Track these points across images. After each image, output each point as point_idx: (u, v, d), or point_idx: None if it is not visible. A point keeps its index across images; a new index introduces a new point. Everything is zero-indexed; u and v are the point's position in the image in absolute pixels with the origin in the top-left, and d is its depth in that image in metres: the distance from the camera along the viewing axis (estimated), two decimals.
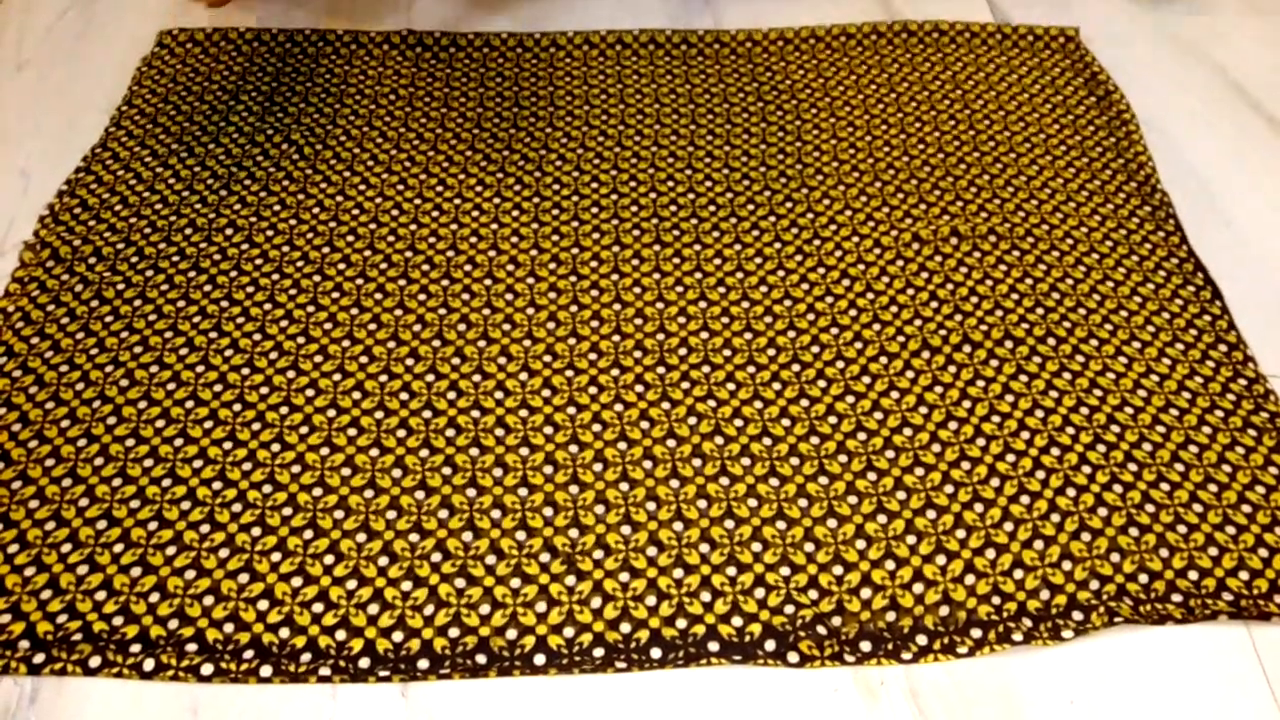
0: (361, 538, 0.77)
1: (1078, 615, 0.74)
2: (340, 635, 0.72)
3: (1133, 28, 1.31)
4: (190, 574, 0.75)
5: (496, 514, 0.79)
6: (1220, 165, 1.11)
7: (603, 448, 0.83)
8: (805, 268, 0.98)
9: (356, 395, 0.86)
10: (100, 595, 0.74)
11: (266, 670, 0.70)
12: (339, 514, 0.79)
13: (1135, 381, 0.89)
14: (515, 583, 0.75)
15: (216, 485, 0.80)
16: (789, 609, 0.74)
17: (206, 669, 0.70)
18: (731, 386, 0.88)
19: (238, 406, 0.85)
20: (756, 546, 0.78)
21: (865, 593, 0.75)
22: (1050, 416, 0.86)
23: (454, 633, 0.72)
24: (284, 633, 0.72)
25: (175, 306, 0.92)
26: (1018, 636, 0.73)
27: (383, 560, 0.76)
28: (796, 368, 0.90)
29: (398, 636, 0.72)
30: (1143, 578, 0.76)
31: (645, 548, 0.77)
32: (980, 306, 0.94)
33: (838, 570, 0.76)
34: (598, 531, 0.78)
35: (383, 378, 0.88)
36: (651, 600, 0.75)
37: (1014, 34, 1.26)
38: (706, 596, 0.75)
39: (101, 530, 0.77)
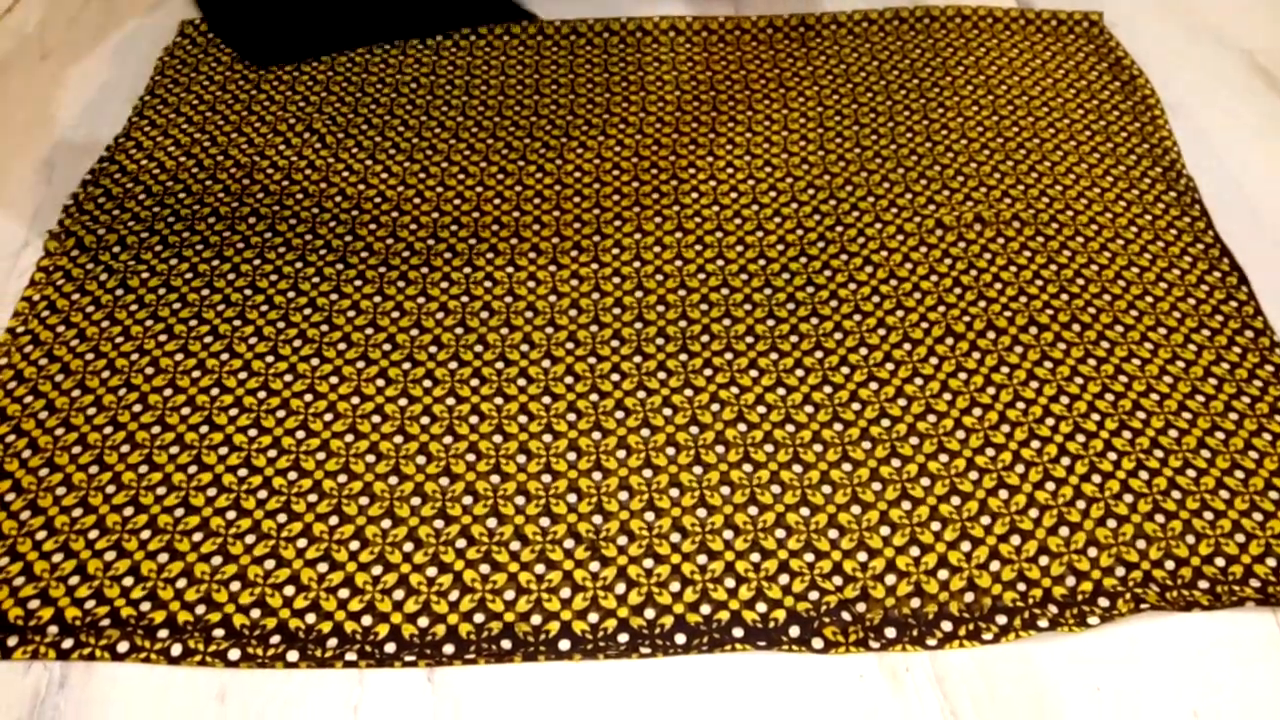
0: (387, 524, 0.78)
1: (1104, 601, 0.74)
2: (366, 620, 0.72)
3: (1157, 12, 1.30)
4: (217, 560, 0.75)
5: (520, 500, 0.79)
6: (1246, 150, 1.10)
7: (625, 434, 0.83)
8: (828, 254, 0.98)
9: (380, 382, 0.87)
10: (128, 581, 0.74)
11: (293, 655, 0.71)
12: (364, 500, 0.79)
13: (1161, 367, 0.88)
14: (540, 569, 0.75)
15: (242, 472, 0.80)
16: (813, 595, 0.74)
17: (233, 654, 0.71)
18: (754, 373, 0.88)
19: (262, 394, 0.86)
20: (780, 533, 0.77)
21: (890, 579, 0.75)
22: (1075, 403, 0.85)
23: (479, 618, 0.73)
24: (310, 618, 0.73)
25: (199, 295, 0.93)
26: (1043, 623, 0.73)
27: (408, 546, 0.76)
28: (819, 354, 0.89)
29: (423, 622, 0.72)
30: (1169, 564, 0.76)
31: (669, 534, 0.77)
32: (1004, 292, 0.94)
33: (862, 556, 0.76)
34: (621, 518, 0.78)
35: (406, 365, 0.88)
36: (676, 586, 0.75)
37: (1038, 19, 1.26)
38: (730, 582, 0.75)
39: (128, 517, 0.78)
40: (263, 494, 0.79)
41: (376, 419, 0.84)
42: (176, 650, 0.71)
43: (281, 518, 0.78)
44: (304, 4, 1.02)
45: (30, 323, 0.90)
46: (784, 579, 0.75)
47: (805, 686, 0.70)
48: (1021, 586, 0.75)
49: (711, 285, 0.95)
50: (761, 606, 0.74)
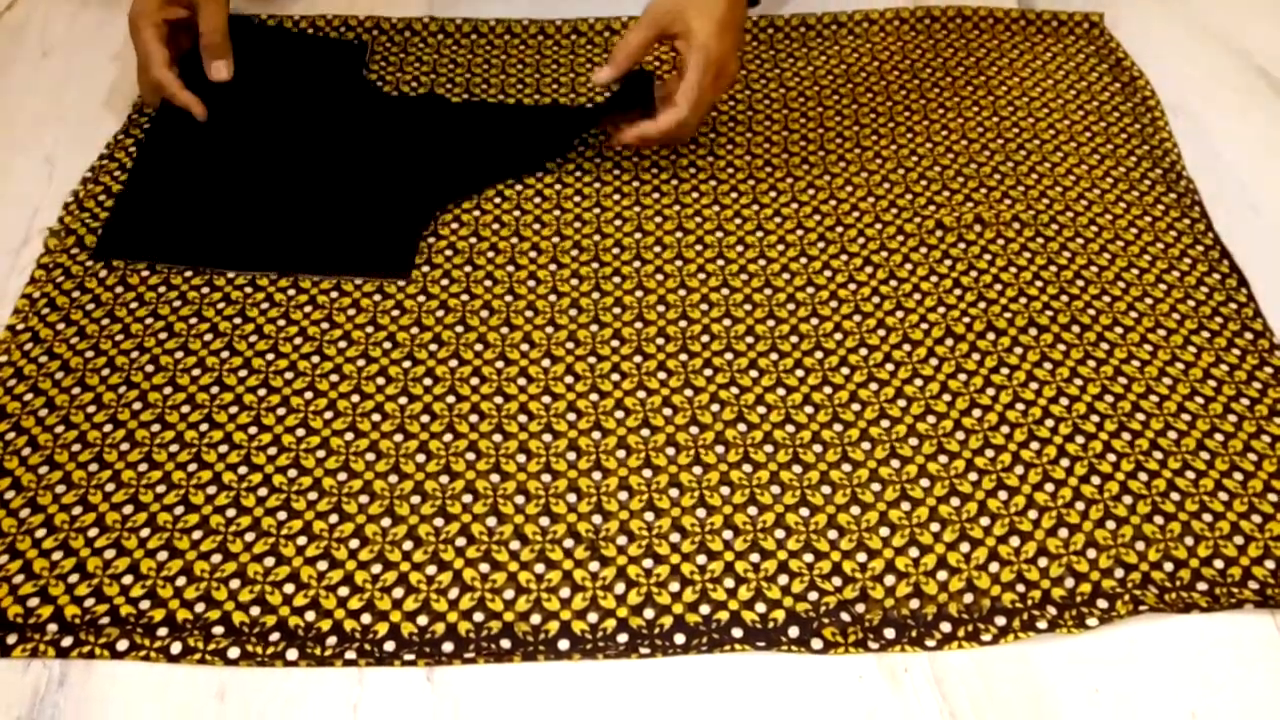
0: (386, 522, 0.78)
1: (1102, 603, 0.74)
2: (366, 619, 0.72)
3: (1158, 12, 1.30)
4: (216, 558, 0.75)
5: (520, 499, 0.79)
6: (1246, 151, 1.10)
7: (625, 434, 0.84)
8: (828, 254, 0.98)
9: (380, 380, 0.87)
10: (127, 579, 0.74)
11: (293, 653, 0.71)
12: (364, 499, 0.79)
13: (1160, 369, 0.88)
14: (539, 568, 0.75)
15: (242, 470, 0.80)
16: (812, 595, 0.74)
17: (233, 652, 0.71)
18: (754, 373, 0.88)
19: (262, 392, 0.86)
20: (780, 533, 0.78)
21: (889, 580, 0.75)
22: (1075, 404, 0.85)
23: (478, 617, 0.73)
24: (310, 616, 0.73)
25: (199, 292, 0.93)
26: (1042, 624, 0.73)
27: (408, 544, 0.76)
28: (820, 354, 0.89)
29: (423, 620, 0.73)
30: (1168, 566, 0.76)
31: (669, 534, 0.77)
32: (1004, 293, 0.94)
33: (861, 557, 0.76)
34: (621, 517, 0.78)
35: (406, 363, 0.88)
36: (675, 586, 0.75)
37: (1038, 19, 1.26)
38: (730, 583, 0.75)
39: (128, 515, 0.78)
40: (263, 492, 0.79)
41: (376, 417, 0.84)
42: (176, 648, 0.71)
43: (281, 515, 0.78)
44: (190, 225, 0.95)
45: (30, 320, 0.90)
46: (783, 579, 0.75)
47: (804, 687, 0.70)
48: (1020, 588, 0.75)
49: (712, 285, 0.95)
50: (761, 607, 0.74)
